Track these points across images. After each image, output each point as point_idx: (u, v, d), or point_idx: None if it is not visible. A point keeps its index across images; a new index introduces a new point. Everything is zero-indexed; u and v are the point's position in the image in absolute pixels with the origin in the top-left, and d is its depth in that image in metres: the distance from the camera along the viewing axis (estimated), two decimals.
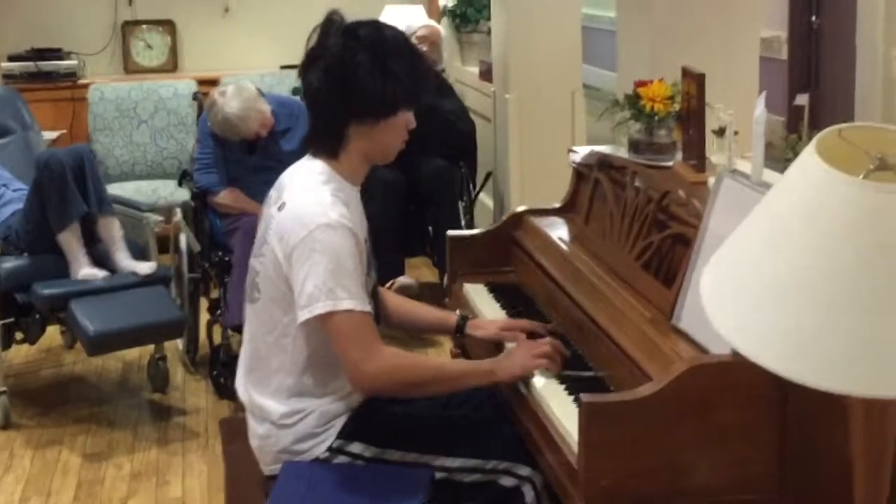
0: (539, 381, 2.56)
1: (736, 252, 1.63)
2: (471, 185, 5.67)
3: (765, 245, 1.56)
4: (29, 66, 6.58)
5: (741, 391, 2.17)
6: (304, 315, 2.46)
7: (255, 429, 2.66)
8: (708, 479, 2.18)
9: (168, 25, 6.99)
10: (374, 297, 2.73)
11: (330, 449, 2.59)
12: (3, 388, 4.45)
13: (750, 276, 1.57)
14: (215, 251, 4.78)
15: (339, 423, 2.61)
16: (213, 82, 6.02)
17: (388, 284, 4.84)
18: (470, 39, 6.36)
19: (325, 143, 2.60)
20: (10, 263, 4.42)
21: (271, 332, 2.59)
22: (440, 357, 2.78)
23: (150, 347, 4.69)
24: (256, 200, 4.83)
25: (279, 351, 2.58)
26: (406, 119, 2.62)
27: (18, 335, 4.59)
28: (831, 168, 1.44)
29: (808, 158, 1.48)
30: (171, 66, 6.90)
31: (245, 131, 4.71)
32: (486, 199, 6.03)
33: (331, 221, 2.47)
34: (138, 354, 4.94)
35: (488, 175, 5.80)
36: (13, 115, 5.30)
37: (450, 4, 6.42)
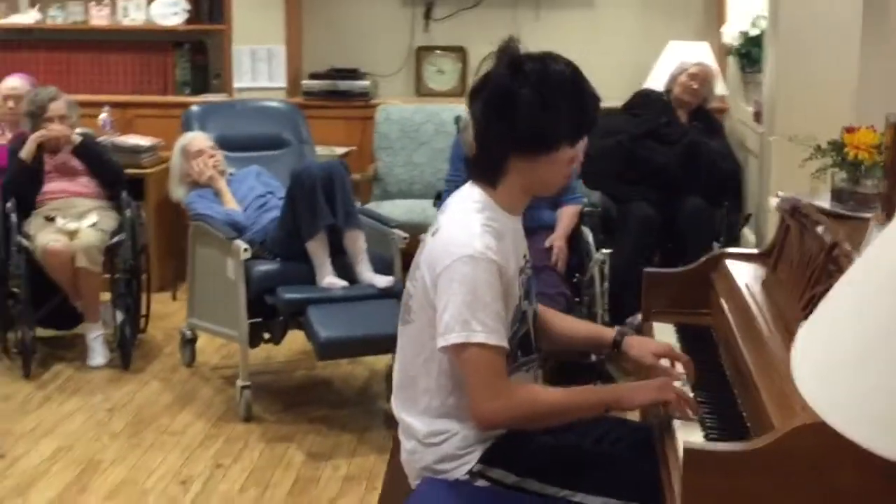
0: (677, 423, 2.50)
1: (828, 310, 1.56)
2: (732, 226, 5.54)
3: (855, 303, 1.48)
4: (327, 84, 6.97)
5: (859, 456, 2.04)
6: (440, 342, 2.52)
7: (404, 444, 2.74)
8: None
9: (460, 52, 7.22)
10: (534, 323, 2.76)
11: (470, 472, 2.63)
12: (248, 384, 4.74)
13: (835, 335, 1.50)
14: None
15: (482, 448, 2.64)
16: None
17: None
18: (753, 79, 6.21)
19: (484, 172, 2.64)
20: (263, 267, 4.72)
21: (420, 354, 2.65)
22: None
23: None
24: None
25: (426, 373, 2.65)
26: (569, 155, 2.60)
27: (266, 335, 4.88)
28: None
29: None
30: (460, 90, 7.13)
31: None
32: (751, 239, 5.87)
33: (474, 253, 2.50)
34: (385, 364, 5.13)
35: (748, 217, 5.65)
36: (292, 129, 5.67)
37: (735, 44, 6.30)
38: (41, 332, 5.52)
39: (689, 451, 2.10)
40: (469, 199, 2.63)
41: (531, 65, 2.57)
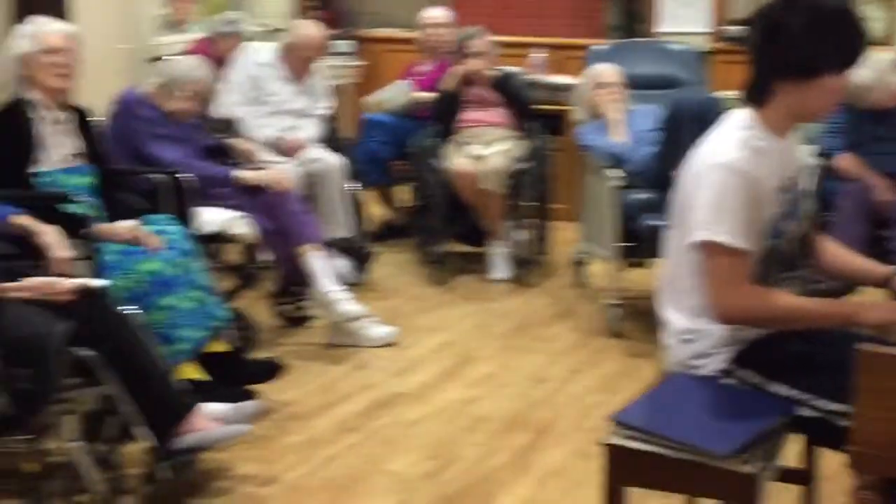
0: None
1: None
2: None
3: None
4: (743, 30, 7.06)
5: None
6: (688, 239, 2.79)
7: (665, 340, 3.03)
8: None
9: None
10: (802, 244, 2.94)
11: (720, 370, 2.88)
12: (617, 302, 5.14)
13: None
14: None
15: (734, 349, 2.88)
16: None
17: None
18: None
19: (753, 93, 2.86)
20: (635, 195, 5.07)
21: (681, 254, 2.93)
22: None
23: None
24: (875, 169, 4.96)
25: (686, 272, 2.92)
26: (835, 84, 2.76)
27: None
28: None
29: None
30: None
31: (873, 100, 4.84)
32: None
33: (726, 161, 2.75)
34: None
35: None
36: (691, 70, 6.02)
37: None
38: (455, 246, 6.21)
39: (863, 353, 2.25)
40: (738, 119, 2.87)
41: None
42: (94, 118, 4.33)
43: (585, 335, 5.18)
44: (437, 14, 6.71)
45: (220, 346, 4.19)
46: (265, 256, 5.00)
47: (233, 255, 5.16)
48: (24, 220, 3.67)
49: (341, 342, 4.96)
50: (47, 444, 3.51)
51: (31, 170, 4.00)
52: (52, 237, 3.64)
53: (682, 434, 2.63)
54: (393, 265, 6.16)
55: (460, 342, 5.10)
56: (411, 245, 6.32)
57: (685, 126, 4.86)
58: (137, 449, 3.61)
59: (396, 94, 6.58)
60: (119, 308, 3.65)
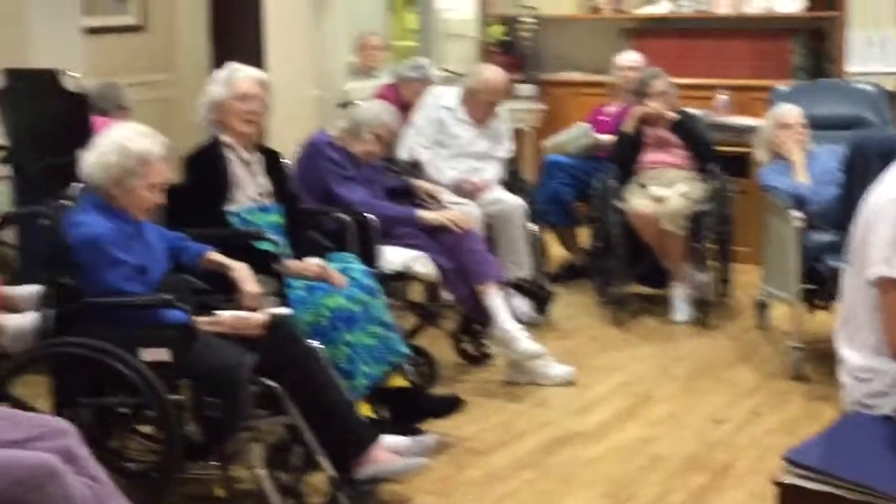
0: None
1: None
2: None
3: None
4: None
5: None
6: (865, 274, 2.77)
7: (841, 378, 3.00)
8: None
9: None
10: None
11: None
12: (799, 345, 5.05)
13: None
14: None
15: None
16: None
17: None
18: None
19: None
20: (818, 237, 4.99)
21: (859, 290, 2.89)
22: None
23: None
24: None
25: (863, 309, 2.89)
26: None
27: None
28: None
29: None
30: None
31: None
32: None
33: None
34: None
35: None
36: (876, 110, 5.84)
37: None
38: (636, 287, 6.21)
39: None
40: None
41: None
42: (284, 160, 4.53)
43: (767, 377, 5.11)
44: (630, 58, 6.76)
45: (400, 382, 4.31)
46: (446, 295, 5.11)
47: (415, 293, 5.29)
48: (218, 257, 3.87)
49: (520, 380, 5.02)
50: (235, 470, 3.68)
51: (225, 208, 4.20)
52: (243, 273, 3.82)
53: (857, 475, 2.60)
54: (573, 306, 6.19)
55: (639, 382, 5.09)
56: (591, 286, 6.34)
57: (869, 166, 4.77)
58: (320, 478, 3.73)
59: (577, 135, 6.64)
60: (304, 341, 3.80)
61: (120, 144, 3.58)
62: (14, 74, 5.12)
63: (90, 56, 6.00)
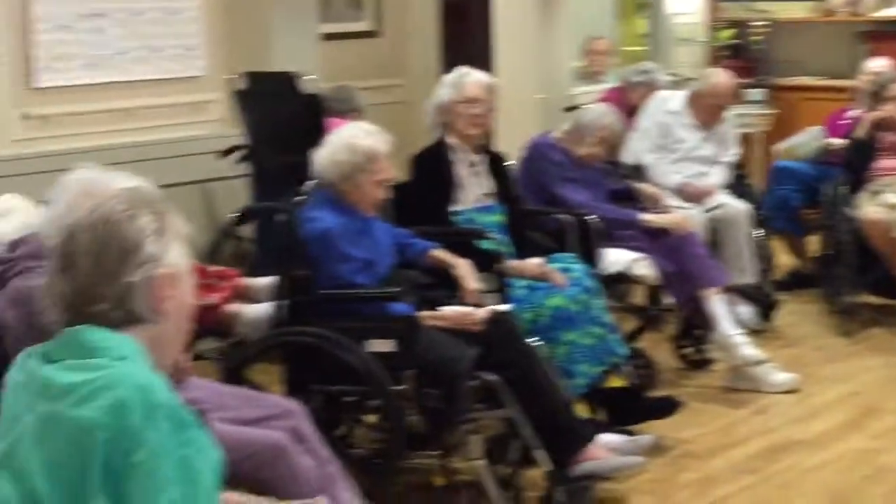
0: None
1: None
2: None
3: None
4: None
5: None
6: None
7: None
8: None
9: None
10: None
11: None
12: None
13: None
14: None
15: None
16: None
17: None
18: None
19: None
20: None
21: None
22: None
23: None
24: None
25: None
26: None
27: None
28: None
29: None
30: None
31: None
32: None
33: None
34: None
35: None
36: None
37: None
38: (866, 297, 6.02)
39: None
40: None
41: None
42: (508, 161, 4.62)
43: None
44: (880, 63, 6.56)
45: (617, 382, 4.34)
46: (668, 299, 5.10)
47: (637, 297, 5.30)
48: (442, 254, 3.99)
49: (741, 386, 4.96)
50: (455, 462, 3.78)
51: (450, 208, 4.33)
52: (465, 270, 3.93)
53: None
54: (799, 314, 6.06)
55: (866, 393, 4.96)
56: (819, 294, 6.19)
57: None
58: (537, 473, 3.80)
59: (809, 140, 6.50)
60: (524, 338, 3.88)
61: (349, 143, 3.75)
62: (254, 77, 5.39)
63: (326, 60, 6.26)
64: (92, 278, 1.73)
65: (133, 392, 1.64)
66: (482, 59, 6.35)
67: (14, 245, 2.93)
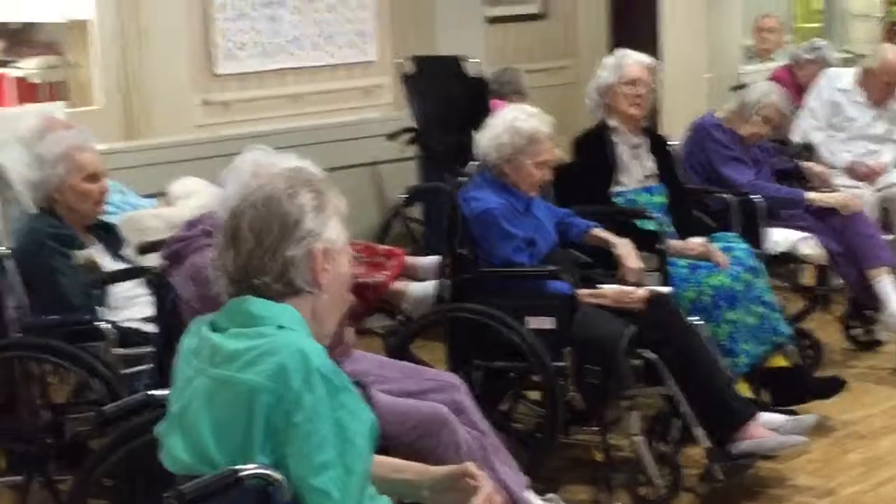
0: None
1: None
2: None
3: None
4: None
5: None
6: None
7: None
8: None
9: None
10: None
11: None
12: None
13: None
14: None
15: None
16: None
17: None
18: None
19: None
20: None
21: None
22: None
23: None
24: None
25: None
26: None
27: None
28: None
29: None
30: None
31: None
32: None
33: None
34: None
35: None
36: None
37: None
38: None
39: None
40: None
41: None
42: (670, 141, 4.63)
43: None
44: None
45: (781, 362, 4.31)
46: (837, 280, 5.03)
47: (806, 277, 5.22)
48: (602, 233, 4.04)
49: None
50: (613, 438, 3.84)
51: (612, 189, 4.37)
52: (625, 249, 3.97)
53: None
54: None
55: None
56: None
57: None
58: (696, 451, 3.82)
59: None
60: (684, 317, 3.91)
61: (511, 124, 3.83)
62: (421, 61, 5.53)
63: (492, 43, 6.35)
64: (255, 253, 1.86)
65: (293, 358, 1.77)
66: (650, 39, 6.35)
67: (191, 224, 3.11)
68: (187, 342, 1.93)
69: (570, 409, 3.74)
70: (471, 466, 2.11)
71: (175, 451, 1.84)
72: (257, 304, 1.86)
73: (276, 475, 1.75)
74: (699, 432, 3.73)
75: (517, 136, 3.81)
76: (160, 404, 1.98)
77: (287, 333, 1.82)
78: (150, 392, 2.12)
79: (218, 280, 1.91)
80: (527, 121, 3.85)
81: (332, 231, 1.92)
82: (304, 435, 1.75)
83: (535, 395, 4.03)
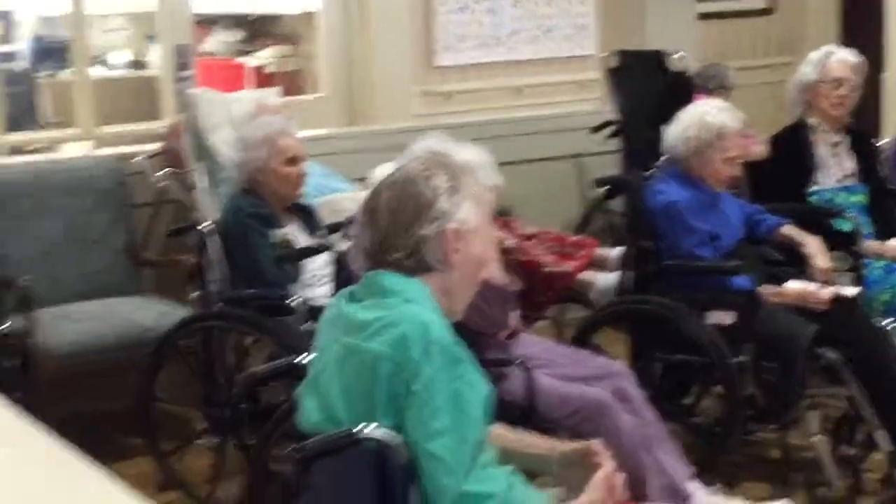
0: None
1: None
2: None
3: None
4: None
5: None
6: None
7: None
8: None
9: None
10: None
11: None
12: None
13: None
14: None
15: None
16: None
17: None
18: None
19: None
20: None
21: None
22: None
23: None
24: None
25: None
26: None
27: None
28: None
29: None
30: None
31: None
32: None
33: None
34: None
35: None
36: None
37: None
38: None
39: None
40: None
41: None
42: (874, 140, 4.51)
43: None
44: None
45: None
46: None
47: None
48: (792, 231, 4.00)
49: None
50: (792, 437, 3.80)
51: (808, 188, 4.30)
52: (815, 248, 3.91)
53: None
54: None
55: None
56: None
57: None
58: (880, 455, 3.73)
59: None
60: (873, 319, 3.82)
61: (699, 119, 3.84)
62: (625, 55, 5.54)
63: (705, 40, 6.29)
64: (390, 230, 1.99)
65: (414, 329, 1.90)
66: (878, 35, 6.16)
67: None
68: (328, 313, 2.09)
69: (753, 406, 3.71)
70: (595, 444, 2.18)
71: (309, 411, 1.99)
72: (389, 278, 1.99)
73: (390, 439, 1.88)
74: (881, 435, 3.65)
75: (704, 131, 3.81)
76: (302, 369, 2.14)
77: (411, 306, 1.95)
78: (296, 359, 2.28)
79: (355, 256, 2.05)
80: (716, 115, 3.85)
81: (465, 213, 2.03)
82: (422, 402, 1.87)
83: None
